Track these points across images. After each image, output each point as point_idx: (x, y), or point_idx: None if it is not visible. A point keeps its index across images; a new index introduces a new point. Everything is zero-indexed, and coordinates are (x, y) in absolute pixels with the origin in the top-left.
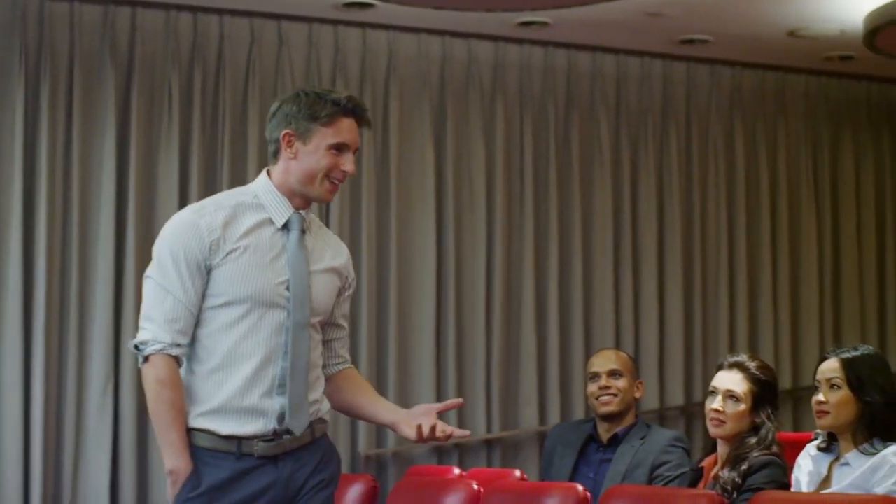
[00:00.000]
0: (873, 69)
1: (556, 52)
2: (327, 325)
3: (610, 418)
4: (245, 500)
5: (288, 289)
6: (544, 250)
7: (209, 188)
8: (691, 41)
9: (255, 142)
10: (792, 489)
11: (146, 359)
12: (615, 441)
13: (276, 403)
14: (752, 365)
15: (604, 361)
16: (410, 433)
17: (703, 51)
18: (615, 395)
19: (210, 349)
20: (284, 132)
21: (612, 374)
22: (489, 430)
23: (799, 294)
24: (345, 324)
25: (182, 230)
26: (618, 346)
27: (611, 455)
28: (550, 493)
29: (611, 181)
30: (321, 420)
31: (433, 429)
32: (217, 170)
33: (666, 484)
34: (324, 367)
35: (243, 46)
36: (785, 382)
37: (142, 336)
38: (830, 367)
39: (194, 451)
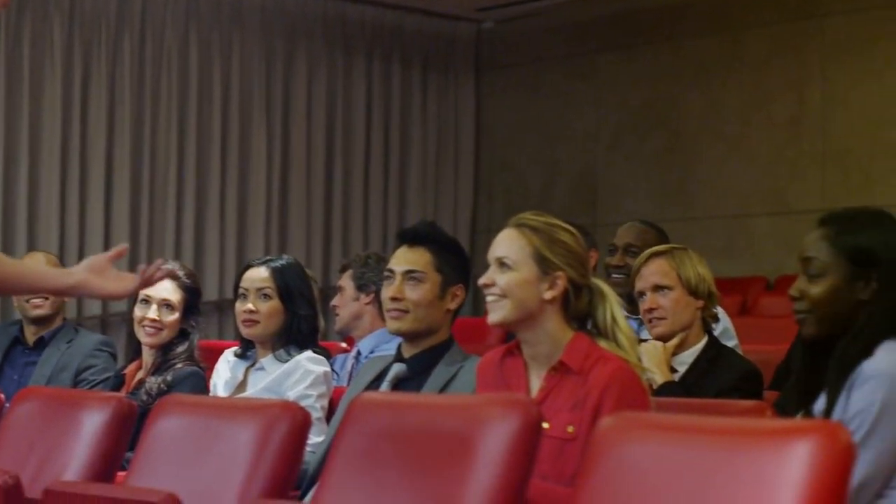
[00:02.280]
0: None
1: None
2: None
3: (38, 321)
4: None
5: None
6: None
7: None
8: None
9: None
10: (210, 394)
11: None
12: (41, 344)
13: None
14: (181, 273)
15: None
16: (123, 286)
17: None
18: (45, 298)
19: None
20: None
21: None
22: None
23: (246, 205)
24: None
25: None
26: (61, 249)
27: (36, 358)
28: None
29: (61, 84)
30: None
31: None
32: None
33: (91, 387)
34: None
35: None
36: (229, 292)
37: None
38: (260, 276)
39: None
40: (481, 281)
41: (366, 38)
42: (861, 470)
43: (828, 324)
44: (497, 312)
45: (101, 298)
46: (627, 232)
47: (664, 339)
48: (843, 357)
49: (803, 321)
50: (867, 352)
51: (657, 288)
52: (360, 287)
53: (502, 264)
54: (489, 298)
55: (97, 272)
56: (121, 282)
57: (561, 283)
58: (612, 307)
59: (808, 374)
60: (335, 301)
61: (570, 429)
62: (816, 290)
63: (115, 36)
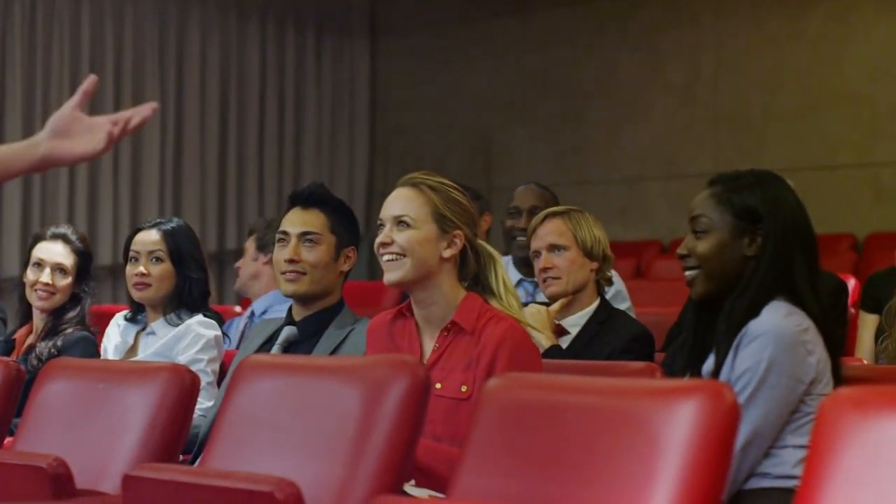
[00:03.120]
0: None
1: None
2: None
3: None
4: None
5: None
6: None
7: None
8: None
9: None
10: (102, 358)
11: None
12: None
13: None
14: (74, 237)
15: None
16: (91, 144)
17: None
18: None
19: None
20: None
21: None
22: None
23: (140, 170)
24: None
25: None
26: None
27: None
28: None
29: None
30: None
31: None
32: None
33: None
34: None
35: None
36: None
37: None
38: (151, 238)
39: None
40: (379, 240)
41: (259, 1)
42: (747, 428)
43: (715, 281)
44: (396, 272)
45: (75, 163)
46: (530, 194)
47: (557, 298)
48: (731, 315)
49: (692, 280)
50: (754, 311)
51: (553, 248)
52: (260, 248)
53: (401, 223)
54: (386, 258)
55: (63, 134)
56: (91, 138)
57: (459, 242)
58: (501, 269)
59: (697, 335)
60: (238, 263)
61: (464, 388)
62: (703, 246)
63: (5, 1)
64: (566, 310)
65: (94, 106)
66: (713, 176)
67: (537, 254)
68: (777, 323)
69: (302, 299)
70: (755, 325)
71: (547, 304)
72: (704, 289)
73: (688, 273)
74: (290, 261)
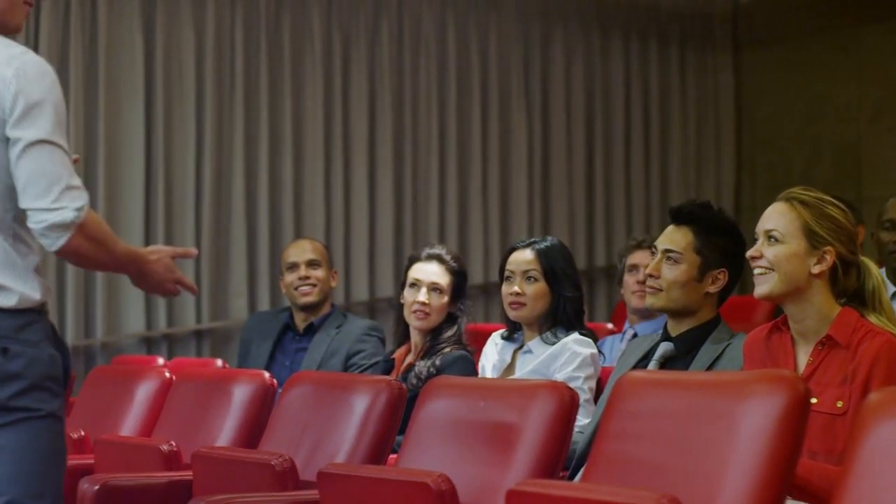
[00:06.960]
0: None
1: None
2: None
3: (307, 308)
4: None
5: None
6: (254, 141)
7: None
8: None
9: None
10: (480, 376)
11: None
12: (311, 330)
13: None
14: (448, 257)
15: (300, 252)
16: (160, 290)
17: None
18: (314, 286)
19: None
20: None
21: (311, 264)
22: (199, 320)
23: (509, 188)
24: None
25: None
26: (327, 235)
27: (307, 344)
28: (237, 380)
29: (322, 74)
30: None
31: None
32: None
33: (360, 372)
34: None
35: None
36: (494, 275)
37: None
38: (525, 258)
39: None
40: (749, 253)
41: (621, 17)
42: None
43: None
44: (764, 285)
45: (141, 288)
46: None
47: None
48: None
49: None
50: None
51: None
52: None
53: (771, 237)
54: (756, 271)
55: (154, 266)
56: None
57: (829, 258)
58: (878, 284)
59: None
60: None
61: (840, 404)
62: None
63: (374, 24)
64: None
65: (461, 122)
66: None
67: None
68: None
69: (668, 314)
70: None
71: None
72: None
73: None
74: (651, 276)
